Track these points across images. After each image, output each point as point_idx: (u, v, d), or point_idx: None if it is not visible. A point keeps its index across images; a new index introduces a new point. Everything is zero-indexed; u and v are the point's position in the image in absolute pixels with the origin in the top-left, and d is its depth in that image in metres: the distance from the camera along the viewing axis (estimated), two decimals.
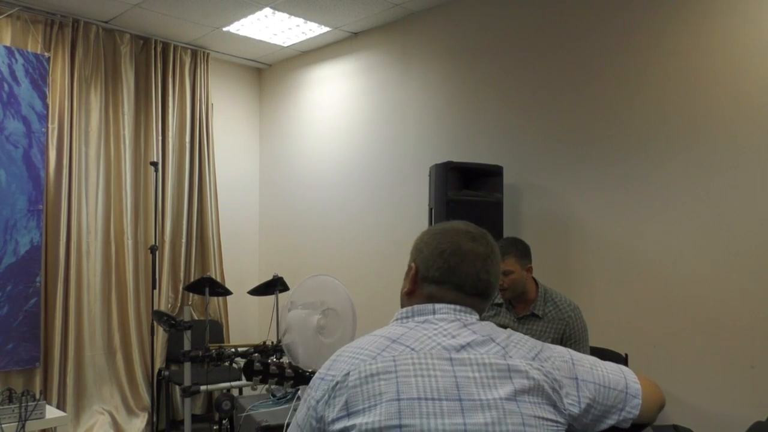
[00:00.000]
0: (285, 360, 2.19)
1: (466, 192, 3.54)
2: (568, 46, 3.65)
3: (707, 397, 3.06)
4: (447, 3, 4.30)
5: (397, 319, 1.25)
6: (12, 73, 4.27)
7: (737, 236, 3.00)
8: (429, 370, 1.11)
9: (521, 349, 1.20)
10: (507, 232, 3.49)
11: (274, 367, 2.10)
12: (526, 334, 2.79)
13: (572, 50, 3.64)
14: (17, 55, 4.30)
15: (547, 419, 1.13)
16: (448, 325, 1.20)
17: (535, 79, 3.80)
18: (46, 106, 4.43)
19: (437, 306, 1.23)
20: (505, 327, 2.83)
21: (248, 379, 2.10)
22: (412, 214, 4.37)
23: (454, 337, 1.17)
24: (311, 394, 1.17)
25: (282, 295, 3.85)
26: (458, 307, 1.23)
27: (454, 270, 1.24)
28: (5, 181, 4.23)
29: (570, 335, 2.74)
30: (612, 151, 3.45)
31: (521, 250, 2.77)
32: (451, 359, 1.14)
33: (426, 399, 1.08)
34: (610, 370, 1.27)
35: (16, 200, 4.27)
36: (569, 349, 1.28)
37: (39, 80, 4.40)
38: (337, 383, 1.12)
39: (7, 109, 4.25)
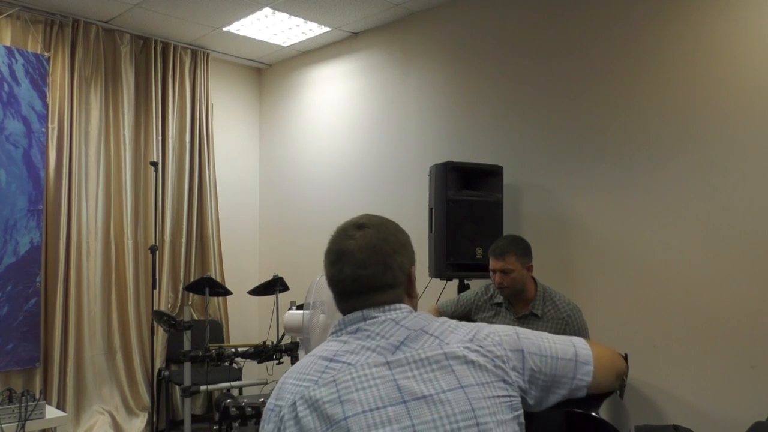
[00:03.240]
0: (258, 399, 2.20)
1: (466, 192, 3.54)
2: (569, 46, 3.65)
3: (707, 397, 3.06)
4: (447, 3, 4.29)
5: (332, 333, 1.24)
6: (12, 73, 4.27)
7: (737, 236, 3.00)
8: (368, 381, 1.12)
9: (457, 334, 1.19)
10: (507, 232, 3.49)
11: (249, 409, 2.12)
12: None
13: (572, 50, 3.64)
14: (17, 55, 4.30)
15: (499, 396, 1.13)
16: (379, 328, 1.19)
17: (536, 79, 3.80)
18: (46, 106, 4.43)
19: (365, 312, 1.21)
20: None
21: (227, 425, 2.13)
22: (412, 214, 4.36)
23: (387, 338, 1.17)
24: (264, 426, 1.17)
25: (282, 295, 3.84)
26: (385, 306, 1.21)
27: (344, 281, 1.22)
28: (5, 181, 4.23)
29: (570, 335, 2.75)
30: (612, 151, 3.45)
31: (522, 249, 2.80)
32: (388, 363, 1.14)
33: (371, 410, 1.08)
34: (557, 341, 1.27)
35: (16, 200, 4.27)
36: (514, 326, 1.27)
37: (39, 80, 4.40)
38: (284, 414, 1.12)
39: (7, 109, 4.25)
